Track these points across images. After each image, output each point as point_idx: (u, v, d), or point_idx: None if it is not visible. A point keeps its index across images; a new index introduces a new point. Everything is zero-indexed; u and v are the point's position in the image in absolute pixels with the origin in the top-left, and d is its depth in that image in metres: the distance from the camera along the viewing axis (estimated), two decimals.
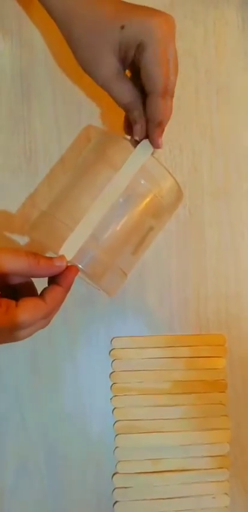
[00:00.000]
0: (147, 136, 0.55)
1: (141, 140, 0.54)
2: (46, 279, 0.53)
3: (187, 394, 0.66)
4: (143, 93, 0.54)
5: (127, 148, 0.54)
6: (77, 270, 0.52)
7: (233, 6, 0.69)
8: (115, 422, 0.66)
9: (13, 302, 0.48)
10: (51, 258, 0.50)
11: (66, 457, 0.66)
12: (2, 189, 0.65)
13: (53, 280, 0.52)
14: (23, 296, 0.49)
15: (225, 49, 0.69)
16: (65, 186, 0.56)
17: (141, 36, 0.50)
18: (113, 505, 0.65)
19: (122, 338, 0.67)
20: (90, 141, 0.62)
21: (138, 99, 0.54)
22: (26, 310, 0.47)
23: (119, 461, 0.65)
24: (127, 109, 0.55)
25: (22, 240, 0.65)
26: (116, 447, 0.66)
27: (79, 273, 0.53)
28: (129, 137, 0.57)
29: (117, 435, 0.66)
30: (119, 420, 0.66)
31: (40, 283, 0.52)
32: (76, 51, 0.54)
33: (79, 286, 0.62)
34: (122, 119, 0.59)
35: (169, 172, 0.55)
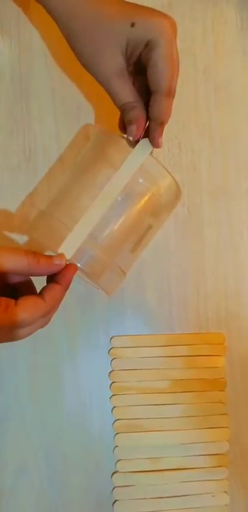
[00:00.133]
0: (145, 136, 0.54)
1: (137, 140, 0.54)
2: (45, 278, 0.53)
3: (186, 392, 0.66)
4: (142, 93, 0.55)
5: (126, 148, 0.54)
6: (76, 268, 0.52)
7: (232, 4, 0.69)
8: (115, 421, 0.66)
9: (12, 301, 0.48)
10: (50, 257, 0.50)
11: (66, 456, 0.66)
12: (1, 189, 0.65)
13: (51, 278, 0.52)
14: (22, 295, 0.49)
15: (224, 48, 0.69)
16: (64, 186, 0.56)
17: (151, 34, 0.51)
18: (113, 504, 0.65)
19: (121, 337, 0.67)
20: (88, 139, 0.62)
21: (137, 99, 0.54)
22: (26, 308, 0.48)
23: (119, 460, 0.65)
24: (124, 109, 0.54)
25: (21, 239, 0.65)
26: (115, 446, 0.66)
27: (78, 272, 0.53)
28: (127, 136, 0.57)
29: (116, 434, 0.66)
30: (118, 419, 0.66)
31: (39, 282, 0.52)
32: (77, 46, 0.54)
33: (78, 285, 0.62)
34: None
35: (168, 171, 0.55)
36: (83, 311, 0.66)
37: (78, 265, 0.51)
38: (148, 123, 0.55)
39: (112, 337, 0.66)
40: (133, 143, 0.54)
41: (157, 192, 0.54)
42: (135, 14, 0.51)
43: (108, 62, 0.53)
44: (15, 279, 0.52)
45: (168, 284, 0.67)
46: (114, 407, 0.66)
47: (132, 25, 0.51)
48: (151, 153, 0.54)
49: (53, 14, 0.54)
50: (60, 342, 0.66)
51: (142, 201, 0.54)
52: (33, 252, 0.50)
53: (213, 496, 0.66)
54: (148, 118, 0.55)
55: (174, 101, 0.54)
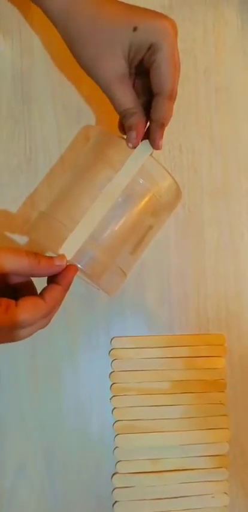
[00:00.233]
0: (145, 137, 0.54)
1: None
2: (45, 279, 0.53)
3: (186, 393, 0.66)
4: (142, 94, 0.55)
5: (126, 149, 0.54)
6: (76, 269, 0.52)
7: (233, 6, 0.69)
8: (115, 422, 0.66)
9: (13, 301, 0.48)
10: (51, 258, 0.50)
11: (66, 457, 0.65)
12: (2, 190, 0.65)
13: (52, 279, 0.52)
14: (23, 296, 0.49)
15: (224, 49, 0.69)
16: (64, 187, 0.57)
17: (154, 38, 0.51)
18: (113, 505, 0.65)
19: (122, 338, 0.67)
20: (88, 141, 0.62)
21: (137, 104, 0.54)
22: (26, 309, 0.48)
23: (119, 461, 0.65)
24: (124, 115, 0.54)
25: (22, 240, 0.65)
26: (116, 447, 0.66)
27: (78, 273, 0.53)
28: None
29: (116, 435, 0.66)
30: (119, 420, 0.66)
31: (40, 283, 0.52)
32: (76, 48, 0.53)
33: (79, 286, 0.62)
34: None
35: (168, 172, 0.55)
36: (83, 312, 0.66)
37: (79, 266, 0.52)
38: (148, 124, 0.55)
39: (113, 338, 0.66)
40: None
41: (157, 193, 0.55)
42: (137, 17, 0.51)
43: (109, 66, 0.52)
44: (15, 280, 0.52)
45: (168, 285, 0.67)
46: (114, 408, 0.66)
47: (135, 29, 0.51)
48: (151, 154, 0.55)
49: (50, 16, 0.53)
50: (61, 342, 0.66)
51: (143, 202, 0.54)
52: (34, 252, 0.50)
53: (213, 497, 0.66)
54: (147, 120, 0.55)
55: (175, 102, 0.54)
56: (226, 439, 0.66)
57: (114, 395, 0.66)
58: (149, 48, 0.51)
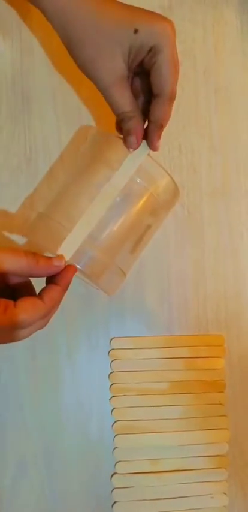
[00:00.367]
0: (143, 137, 0.54)
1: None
2: (44, 280, 0.53)
3: (186, 394, 0.66)
4: (140, 93, 0.55)
5: (123, 149, 0.54)
6: (75, 269, 0.52)
7: (232, 7, 0.69)
8: (114, 422, 0.66)
9: (11, 302, 0.48)
10: (50, 258, 0.50)
11: (65, 457, 0.66)
12: (2, 190, 0.65)
13: (50, 280, 0.52)
14: (21, 296, 0.49)
15: (224, 49, 0.69)
16: (62, 187, 0.57)
17: (155, 40, 0.50)
18: (112, 506, 0.65)
19: (121, 338, 0.67)
20: (86, 140, 0.62)
21: (135, 107, 0.54)
22: (25, 309, 0.48)
23: (118, 462, 0.65)
24: (122, 118, 0.54)
25: (21, 240, 0.65)
26: (115, 447, 0.66)
27: (78, 273, 0.53)
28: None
29: (116, 435, 0.66)
30: (118, 420, 0.66)
31: (39, 284, 0.53)
32: (74, 50, 0.53)
33: (78, 286, 0.63)
34: None
35: (165, 170, 0.55)
36: (83, 312, 0.66)
37: (78, 266, 0.52)
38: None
39: (112, 338, 0.66)
40: None
41: (155, 192, 0.55)
42: (137, 19, 0.51)
43: (108, 68, 0.52)
44: (14, 280, 0.52)
45: (167, 286, 0.67)
46: (114, 408, 0.66)
47: (135, 31, 0.50)
48: (148, 153, 0.55)
49: (48, 16, 0.53)
50: (60, 343, 0.66)
51: (141, 201, 0.54)
52: (33, 253, 0.50)
53: (212, 497, 0.66)
54: (145, 122, 0.55)
55: (174, 103, 0.54)
56: (226, 439, 0.66)
57: (113, 396, 0.66)
58: (149, 50, 0.51)
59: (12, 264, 0.49)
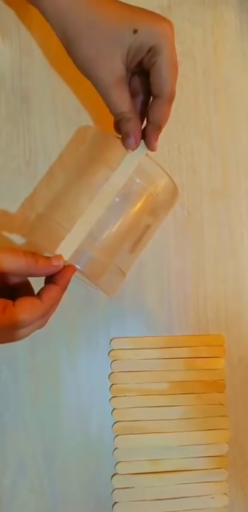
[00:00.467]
0: (141, 137, 0.55)
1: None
2: (42, 280, 0.53)
3: (186, 394, 0.66)
4: (137, 93, 0.55)
5: (121, 148, 0.54)
6: (74, 269, 0.52)
7: (232, 7, 0.69)
8: (115, 423, 0.66)
9: (10, 302, 0.48)
10: (49, 258, 0.50)
11: (65, 458, 0.66)
12: (2, 192, 0.66)
13: (49, 279, 0.52)
14: (20, 296, 0.49)
15: (223, 50, 0.69)
16: (61, 188, 0.57)
17: (155, 40, 0.50)
18: (112, 506, 0.65)
19: (121, 339, 0.67)
20: (85, 141, 0.62)
21: (133, 108, 0.54)
22: (23, 309, 0.48)
23: (118, 462, 0.65)
24: (120, 118, 0.54)
25: (21, 241, 0.65)
26: (115, 448, 0.66)
27: (78, 274, 0.53)
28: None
29: (116, 436, 0.66)
30: (118, 421, 0.66)
31: (38, 284, 0.53)
32: (73, 49, 0.52)
33: (78, 287, 0.63)
34: None
35: (164, 170, 0.55)
36: (83, 313, 0.66)
37: (78, 267, 0.52)
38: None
39: (112, 339, 0.66)
40: None
41: (154, 192, 0.55)
42: (137, 19, 0.51)
43: (107, 68, 0.52)
44: (13, 280, 0.52)
45: (167, 286, 0.67)
46: (114, 409, 0.66)
47: (135, 31, 0.50)
48: (146, 153, 0.55)
49: (47, 16, 0.52)
50: (60, 343, 0.66)
51: (140, 201, 0.54)
52: (32, 252, 0.50)
53: (213, 497, 0.66)
54: (143, 122, 0.55)
55: (173, 103, 0.54)
56: (226, 439, 0.66)
57: (113, 396, 0.66)
58: (149, 50, 0.51)
59: (12, 263, 0.49)
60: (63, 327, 0.66)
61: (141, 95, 0.56)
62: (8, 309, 0.47)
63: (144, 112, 0.56)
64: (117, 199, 0.53)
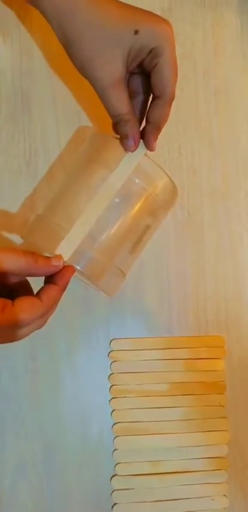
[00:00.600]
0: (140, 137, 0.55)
1: None
2: (42, 280, 0.53)
3: (186, 395, 0.66)
4: (135, 93, 0.55)
5: (120, 149, 0.54)
6: (74, 269, 0.52)
7: (232, 9, 0.69)
8: (114, 424, 0.66)
9: (9, 301, 0.48)
10: (48, 257, 0.50)
11: (65, 459, 0.65)
12: (2, 192, 0.66)
13: (49, 280, 0.52)
14: (19, 296, 0.49)
15: (224, 51, 0.69)
16: (60, 189, 0.57)
17: (156, 42, 0.50)
18: (112, 507, 0.65)
19: (121, 340, 0.67)
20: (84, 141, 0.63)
21: (131, 110, 0.53)
22: (23, 309, 0.48)
23: (118, 463, 0.65)
24: (119, 120, 0.53)
25: (21, 241, 0.65)
26: (115, 449, 0.65)
27: (78, 275, 0.53)
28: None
29: (115, 437, 0.65)
30: (118, 422, 0.66)
31: (37, 283, 0.53)
32: (72, 49, 0.52)
33: (78, 288, 0.63)
34: None
35: (163, 170, 0.55)
36: (83, 314, 0.66)
37: (78, 267, 0.51)
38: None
39: (112, 339, 0.66)
40: None
41: (153, 192, 0.55)
42: (138, 19, 0.51)
43: (106, 68, 0.51)
44: (12, 280, 0.52)
45: (167, 287, 0.67)
46: (114, 410, 0.66)
47: (136, 32, 0.50)
48: (145, 154, 0.55)
49: (47, 16, 0.52)
50: (60, 344, 0.66)
51: (139, 202, 0.54)
52: (32, 252, 0.50)
53: (212, 499, 0.65)
54: (141, 123, 0.55)
55: (174, 104, 0.54)
56: (226, 441, 0.66)
57: (113, 397, 0.66)
58: (150, 51, 0.51)
59: (11, 263, 0.49)
60: (63, 328, 0.66)
61: (139, 96, 0.56)
62: (7, 308, 0.47)
63: (142, 112, 0.56)
64: (116, 200, 0.53)
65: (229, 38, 0.69)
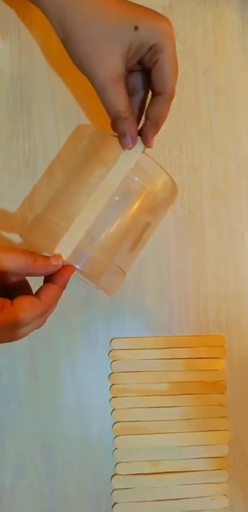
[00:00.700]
0: (138, 133, 0.54)
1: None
2: (41, 279, 0.52)
3: (186, 395, 0.66)
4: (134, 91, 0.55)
5: (118, 147, 0.54)
6: (73, 268, 0.51)
7: (233, 6, 0.69)
8: (114, 423, 0.66)
9: (8, 301, 0.48)
10: (47, 257, 0.50)
11: (65, 458, 0.65)
12: (1, 191, 0.65)
13: (48, 279, 0.52)
14: (18, 295, 0.49)
15: (224, 49, 0.69)
16: (59, 187, 0.57)
17: (157, 38, 0.50)
18: (112, 507, 0.65)
19: (121, 339, 0.66)
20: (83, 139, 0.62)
21: (129, 107, 0.53)
22: (22, 308, 0.47)
23: (118, 463, 0.65)
24: (116, 118, 0.53)
25: (20, 240, 0.64)
26: (115, 448, 0.65)
27: (78, 274, 0.53)
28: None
29: (116, 436, 0.65)
30: (118, 421, 0.66)
31: (36, 283, 0.52)
32: (71, 45, 0.52)
33: (78, 287, 0.63)
34: None
35: (163, 168, 0.55)
36: (83, 313, 0.66)
37: (77, 267, 0.51)
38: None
39: (112, 339, 0.66)
40: None
41: (153, 190, 0.55)
42: (138, 16, 0.50)
43: (105, 64, 0.51)
44: (11, 279, 0.52)
45: (168, 286, 0.67)
46: (114, 409, 0.66)
47: (136, 28, 0.50)
48: (143, 151, 0.55)
49: (47, 13, 0.52)
50: (60, 343, 0.66)
51: (139, 200, 0.54)
52: (31, 251, 0.50)
53: (213, 499, 0.65)
54: (139, 121, 0.55)
55: (174, 103, 0.54)
56: (226, 441, 0.66)
57: (113, 397, 0.66)
58: (150, 48, 0.51)
59: (10, 262, 0.49)
60: (63, 327, 0.65)
61: (137, 94, 0.56)
62: (6, 308, 0.47)
63: (141, 110, 0.56)
64: (116, 198, 0.53)
65: (230, 36, 0.69)
